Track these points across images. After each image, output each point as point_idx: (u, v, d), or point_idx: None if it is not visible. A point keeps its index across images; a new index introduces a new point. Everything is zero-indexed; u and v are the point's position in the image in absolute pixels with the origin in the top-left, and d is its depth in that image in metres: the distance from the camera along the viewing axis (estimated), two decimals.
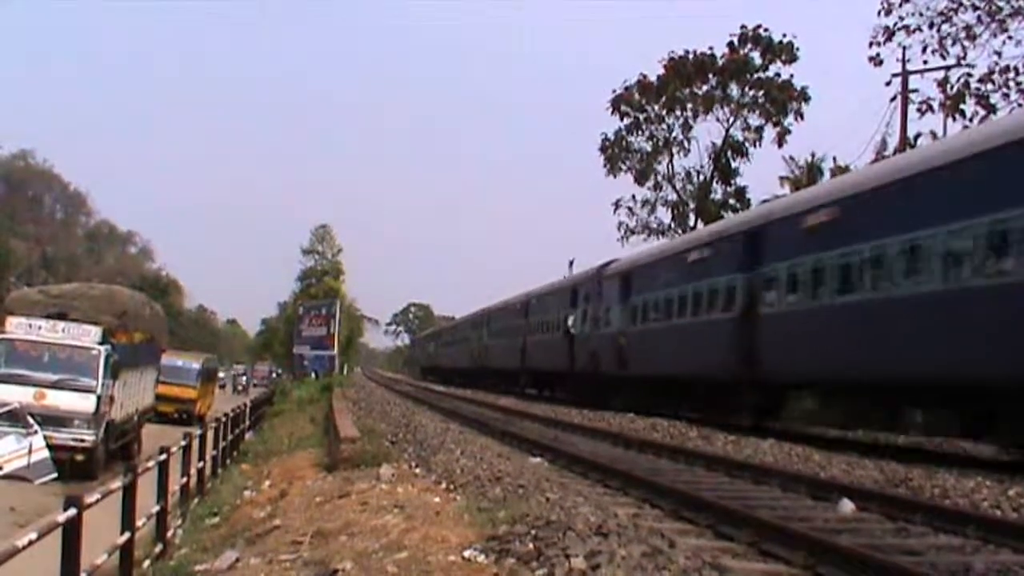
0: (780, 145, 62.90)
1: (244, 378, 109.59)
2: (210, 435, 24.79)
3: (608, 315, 45.58)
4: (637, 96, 65.87)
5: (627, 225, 66.78)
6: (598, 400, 42.44)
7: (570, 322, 51.82)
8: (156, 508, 15.23)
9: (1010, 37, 38.77)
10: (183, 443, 19.30)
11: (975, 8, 39.33)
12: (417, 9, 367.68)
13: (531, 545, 9.60)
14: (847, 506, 13.79)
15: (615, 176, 67.36)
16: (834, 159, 58.19)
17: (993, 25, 39.09)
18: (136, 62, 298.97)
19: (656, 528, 11.09)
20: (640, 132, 66.84)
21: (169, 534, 16.08)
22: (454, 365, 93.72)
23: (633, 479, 15.73)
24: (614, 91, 66.33)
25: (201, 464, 22.53)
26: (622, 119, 66.54)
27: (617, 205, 67.38)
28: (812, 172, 59.92)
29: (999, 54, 38.94)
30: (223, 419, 28.63)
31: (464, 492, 14.05)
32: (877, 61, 42.23)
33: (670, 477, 16.62)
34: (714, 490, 15.18)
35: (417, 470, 16.99)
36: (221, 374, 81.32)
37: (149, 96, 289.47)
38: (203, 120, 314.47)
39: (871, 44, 41.80)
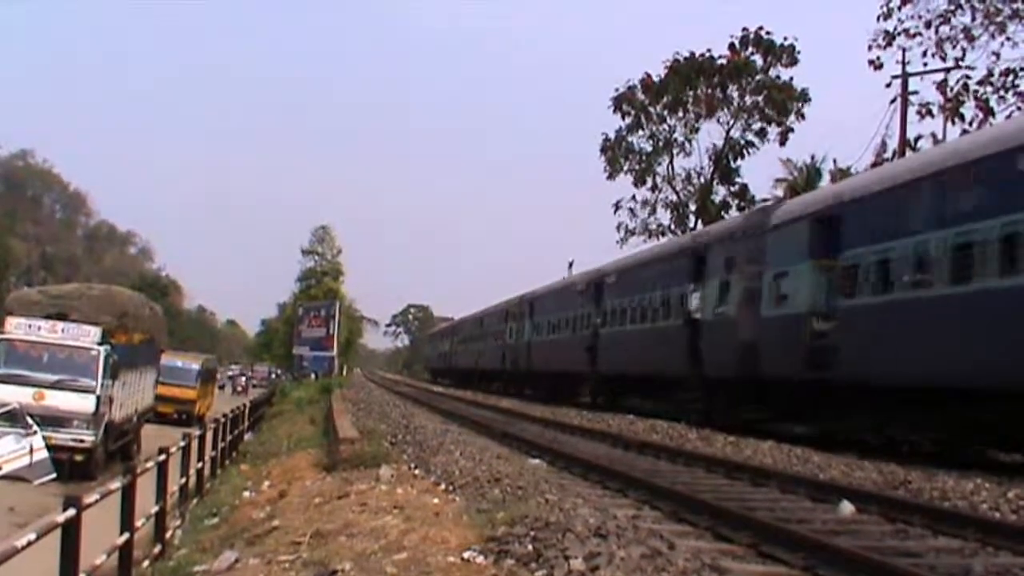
0: (783, 144, 62.96)
1: (243, 379, 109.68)
2: (209, 436, 24.81)
3: (782, 286, 28.40)
4: (640, 95, 65.87)
5: (627, 226, 66.74)
6: (750, 421, 29.68)
7: (693, 303, 35.18)
8: (155, 509, 15.24)
9: (1008, 39, 38.85)
10: (182, 444, 19.35)
11: (973, 10, 39.41)
12: (418, 8, 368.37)
13: (530, 546, 9.59)
14: (847, 508, 13.80)
15: (615, 179, 67.36)
16: (834, 161, 58.31)
17: (992, 27, 39.15)
18: (136, 61, 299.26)
19: (655, 530, 11.08)
20: (641, 131, 66.84)
21: (168, 534, 16.11)
22: (478, 366, 77.21)
23: (632, 480, 15.73)
24: (616, 90, 66.37)
25: (200, 464, 22.57)
26: (624, 118, 66.55)
27: (617, 206, 67.35)
28: (811, 174, 59.98)
29: (997, 55, 39.01)
30: (222, 420, 28.64)
31: (463, 493, 14.05)
32: (877, 65, 42.33)
33: (669, 479, 16.63)
34: (713, 492, 15.20)
35: (416, 471, 16.96)
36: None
37: (149, 96, 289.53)
38: (203, 120, 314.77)
39: (871, 47, 41.88)
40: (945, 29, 40.04)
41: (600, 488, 15.91)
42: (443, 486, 14.90)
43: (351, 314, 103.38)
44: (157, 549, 14.90)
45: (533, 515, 11.06)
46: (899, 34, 41.07)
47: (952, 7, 39.74)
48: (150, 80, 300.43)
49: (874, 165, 42.77)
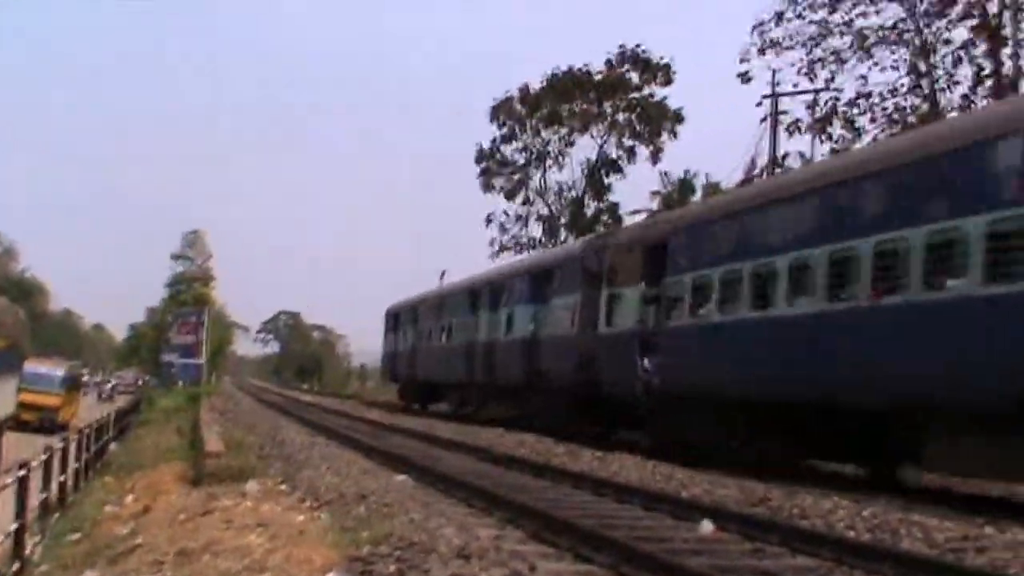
0: (654, 163, 63.96)
1: (109, 386, 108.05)
2: (73, 447, 24.40)
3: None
4: (518, 106, 66.45)
5: (499, 240, 67.29)
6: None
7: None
8: (15, 526, 14.90)
9: (875, 64, 39.91)
10: (44, 456, 19.02)
11: (842, 35, 40.42)
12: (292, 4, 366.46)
13: (393, 567, 9.69)
14: (707, 527, 13.98)
15: (490, 192, 67.90)
16: (706, 176, 59.30)
17: (860, 52, 40.19)
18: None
19: (518, 551, 11.17)
20: (516, 142, 67.47)
21: (28, 551, 15.80)
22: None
23: (497, 498, 15.78)
24: (495, 100, 66.83)
25: (63, 477, 22.17)
26: (500, 128, 67.11)
27: (489, 220, 67.86)
28: (684, 188, 60.91)
29: (865, 79, 40.05)
30: (86, 430, 28.16)
31: (329, 510, 14.09)
32: (746, 79, 43.16)
33: (535, 495, 16.70)
34: (577, 509, 15.31)
35: (283, 486, 16.96)
36: None
37: (15, 88, 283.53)
38: (72, 118, 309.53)
39: (741, 61, 42.70)
40: (816, 51, 41.04)
41: (465, 506, 15.93)
42: (308, 503, 14.91)
43: (221, 320, 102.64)
44: (16, 567, 14.62)
45: (398, 534, 11.17)
46: (771, 46, 41.90)
47: (823, 31, 40.73)
48: (14, 72, 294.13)
49: (744, 182, 43.60)
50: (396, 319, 62.65)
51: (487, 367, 42.03)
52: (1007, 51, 36.87)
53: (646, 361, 27.32)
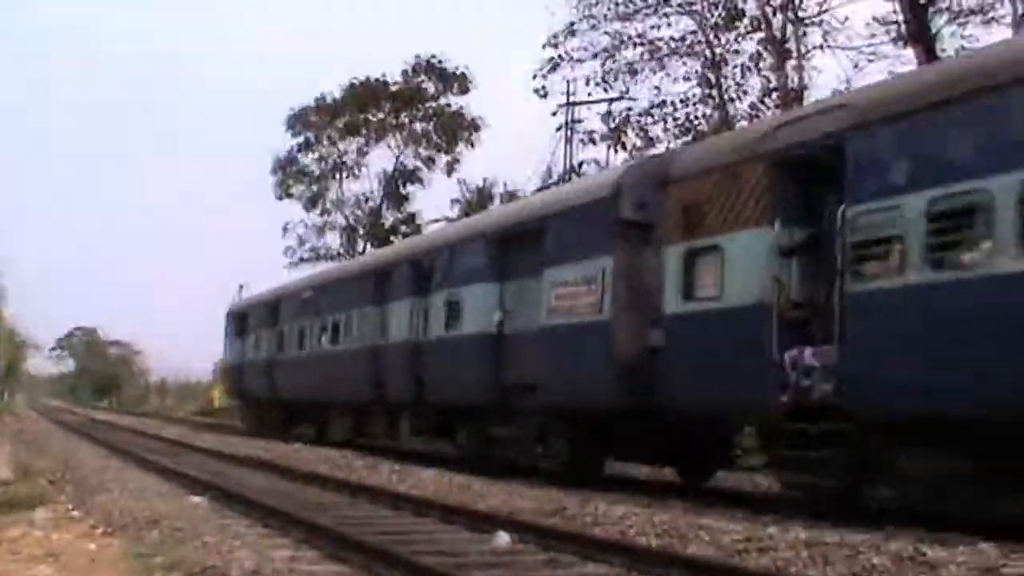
0: (449, 174, 64.50)
1: None
2: None
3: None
4: (314, 117, 66.38)
5: (296, 251, 67.09)
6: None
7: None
8: None
9: (668, 74, 41.01)
10: None
11: (636, 46, 41.37)
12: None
13: None
14: (503, 539, 14.05)
15: (287, 198, 67.73)
16: (504, 184, 60.01)
17: (653, 63, 41.22)
18: None
19: (311, 572, 11.25)
20: (312, 152, 67.43)
21: None
22: None
23: (292, 518, 15.72)
24: (291, 109, 66.70)
25: None
26: (295, 137, 67.02)
27: (286, 229, 67.57)
28: (482, 197, 61.56)
29: (659, 89, 41.10)
30: None
31: (122, 536, 13.90)
32: (542, 93, 43.84)
33: (331, 513, 16.68)
34: (373, 525, 15.38)
35: (75, 512, 16.63)
36: None
37: None
38: None
39: (535, 76, 43.35)
40: (609, 63, 41.94)
41: (261, 526, 15.80)
42: (101, 529, 14.69)
43: (12, 339, 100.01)
44: None
45: (191, 559, 11.16)
46: (563, 60, 42.70)
47: (617, 43, 41.64)
48: None
49: (540, 190, 44.21)
50: (243, 320, 48.64)
51: (409, 381, 28.83)
52: (792, 63, 38.30)
53: (807, 354, 16.22)
